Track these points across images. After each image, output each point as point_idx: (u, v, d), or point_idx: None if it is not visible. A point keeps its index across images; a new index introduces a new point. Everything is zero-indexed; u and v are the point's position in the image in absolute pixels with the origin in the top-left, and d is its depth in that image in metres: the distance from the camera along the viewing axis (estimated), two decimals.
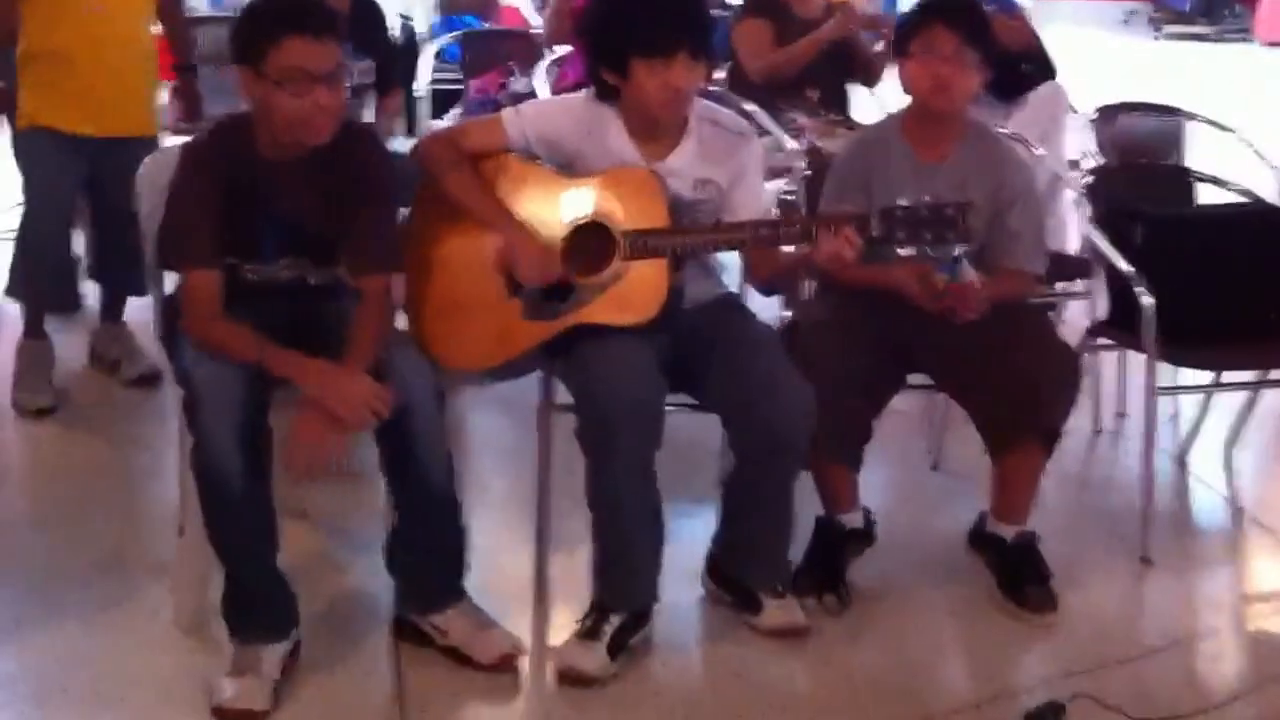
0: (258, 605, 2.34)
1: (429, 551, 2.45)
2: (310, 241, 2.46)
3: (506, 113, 2.57)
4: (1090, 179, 3.26)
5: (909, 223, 2.35)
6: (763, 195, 2.69)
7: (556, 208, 2.50)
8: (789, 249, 2.50)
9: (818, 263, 2.41)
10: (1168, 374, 3.13)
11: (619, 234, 2.44)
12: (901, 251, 2.40)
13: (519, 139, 2.53)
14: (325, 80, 2.27)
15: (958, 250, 2.43)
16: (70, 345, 3.69)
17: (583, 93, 2.60)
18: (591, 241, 2.46)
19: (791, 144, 3.82)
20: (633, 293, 2.44)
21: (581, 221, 2.48)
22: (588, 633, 2.44)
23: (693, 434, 2.70)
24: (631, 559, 2.48)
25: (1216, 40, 11.52)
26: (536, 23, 5.63)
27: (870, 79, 4.41)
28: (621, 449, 2.36)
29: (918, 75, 2.67)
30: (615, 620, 2.44)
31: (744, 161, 2.59)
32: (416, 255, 2.54)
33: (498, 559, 2.82)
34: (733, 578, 2.64)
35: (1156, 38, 11.52)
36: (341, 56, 2.32)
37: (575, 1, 4.32)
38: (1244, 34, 11.62)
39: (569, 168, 2.55)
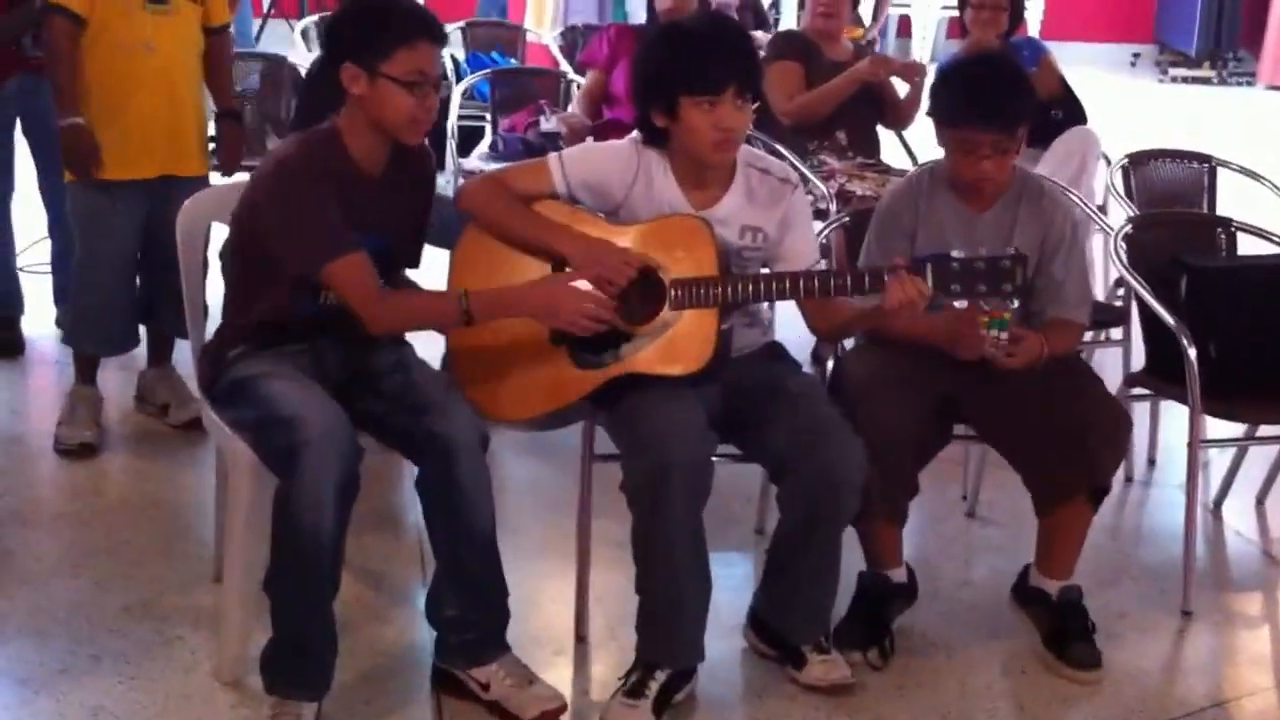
0: (309, 662, 2.29)
1: (471, 602, 2.42)
2: (389, 256, 2.46)
3: (551, 158, 2.55)
4: (1129, 227, 3.23)
5: (964, 274, 2.33)
6: (814, 242, 2.67)
7: None
8: (856, 300, 2.47)
9: (887, 310, 2.38)
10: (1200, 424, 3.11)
11: (668, 282, 2.41)
12: (957, 304, 2.37)
13: (564, 184, 2.51)
14: (435, 85, 2.38)
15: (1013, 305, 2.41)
16: (117, 384, 3.63)
17: (629, 138, 2.58)
18: (640, 290, 2.43)
19: (822, 187, 3.81)
20: (682, 342, 2.40)
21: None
22: (632, 690, 2.40)
23: (732, 483, 2.66)
24: (677, 616, 2.44)
25: (1221, 84, 11.57)
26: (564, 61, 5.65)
27: (899, 124, 4.40)
28: (671, 506, 2.33)
29: (957, 167, 2.66)
30: (660, 677, 2.40)
31: (791, 208, 2.58)
32: None
33: (537, 610, 2.79)
34: (775, 631, 2.60)
35: (1162, 80, 11.55)
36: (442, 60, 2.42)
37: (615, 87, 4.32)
38: (1249, 78, 11.67)
39: (613, 215, 2.52)
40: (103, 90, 3.24)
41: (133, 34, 3.24)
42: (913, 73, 4.21)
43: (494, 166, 4.71)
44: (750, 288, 2.41)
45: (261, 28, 8.88)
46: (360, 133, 2.39)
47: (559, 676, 2.52)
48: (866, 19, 8.12)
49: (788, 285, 2.40)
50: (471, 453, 2.32)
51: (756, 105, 2.46)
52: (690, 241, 2.42)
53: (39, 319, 4.09)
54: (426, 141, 2.52)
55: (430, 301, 2.40)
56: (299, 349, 2.41)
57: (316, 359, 2.40)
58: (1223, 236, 3.36)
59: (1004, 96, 2.61)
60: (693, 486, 2.34)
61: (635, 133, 2.57)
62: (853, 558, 2.69)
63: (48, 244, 3.92)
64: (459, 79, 5.38)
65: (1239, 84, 11.62)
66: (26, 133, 3.80)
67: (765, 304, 2.66)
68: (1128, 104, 9.48)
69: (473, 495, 2.34)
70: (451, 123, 4.79)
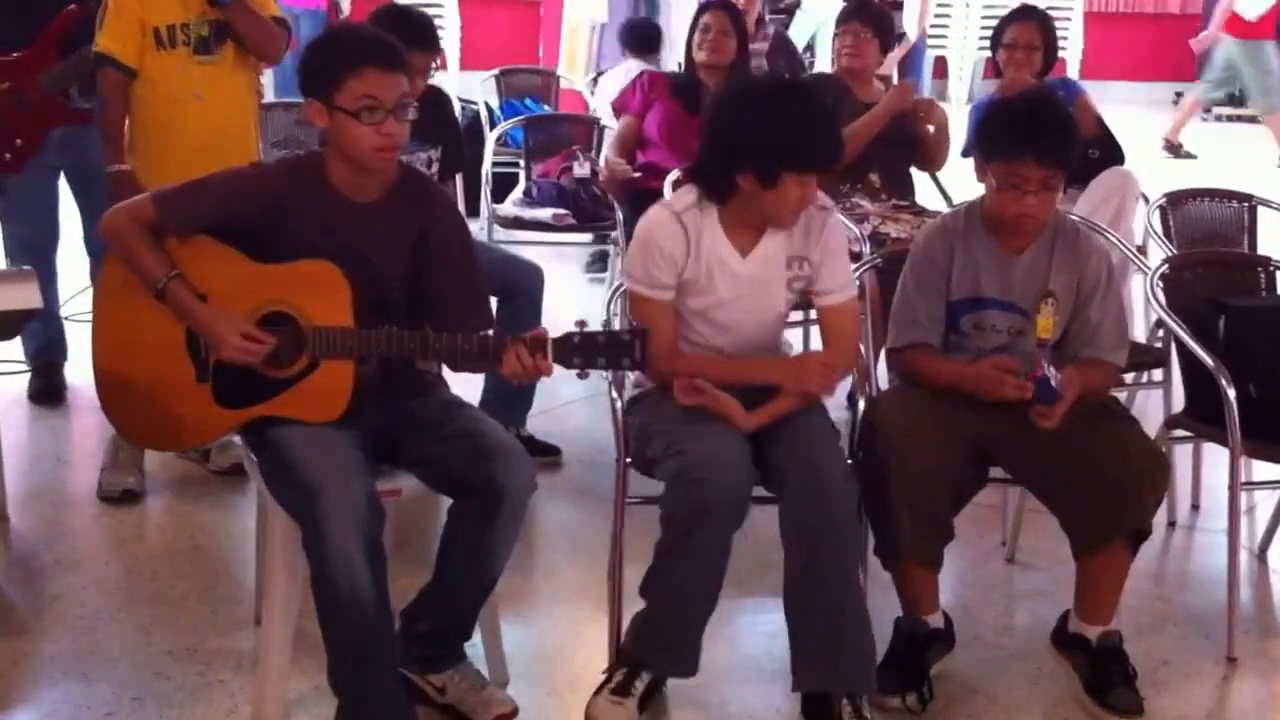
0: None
1: (450, 625, 2.49)
2: (380, 285, 2.44)
3: (641, 291, 2.58)
4: (1166, 267, 3.21)
5: (584, 348, 2.30)
6: (849, 271, 2.75)
7: (245, 293, 2.44)
8: None
9: (506, 375, 2.35)
10: (1245, 466, 3.07)
11: (308, 331, 2.38)
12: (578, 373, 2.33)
13: (670, 292, 2.58)
14: (394, 111, 2.35)
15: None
16: None
17: (666, 210, 2.63)
18: (282, 334, 2.40)
19: (855, 230, 3.81)
20: (319, 390, 2.39)
21: (270, 311, 2.42)
22: (619, 688, 2.49)
23: (769, 528, 2.63)
24: (687, 631, 2.50)
25: None
26: (595, 107, 5.70)
27: (931, 165, 4.40)
28: (706, 540, 2.41)
29: (1002, 203, 2.64)
30: (646, 677, 2.50)
31: (829, 236, 2.66)
32: (106, 337, 2.53)
33: (570, 654, 2.79)
34: (822, 697, 2.49)
35: (1205, 119, 11.48)
36: (405, 86, 2.38)
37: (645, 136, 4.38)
38: None
39: (680, 276, 2.58)
40: (150, 140, 3.30)
41: (181, 85, 3.30)
42: (930, 114, 4.21)
43: (529, 213, 4.81)
44: (384, 342, 2.37)
45: None
46: (336, 162, 2.41)
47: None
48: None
49: (418, 344, 2.39)
50: (519, 506, 2.38)
51: None
52: (326, 289, 2.38)
53: (82, 367, 4.14)
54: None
55: (148, 254, 2.38)
56: None
57: (356, 408, 2.41)
58: (1263, 276, 3.33)
59: (1058, 132, 2.64)
60: (729, 521, 2.43)
61: (666, 201, 2.71)
62: (891, 605, 2.68)
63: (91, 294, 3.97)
64: (493, 125, 5.45)
65: None
66: (71, 182, 3.87)
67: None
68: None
69: (501, 545, 2.40)
70: (486, 169, 4.84)
